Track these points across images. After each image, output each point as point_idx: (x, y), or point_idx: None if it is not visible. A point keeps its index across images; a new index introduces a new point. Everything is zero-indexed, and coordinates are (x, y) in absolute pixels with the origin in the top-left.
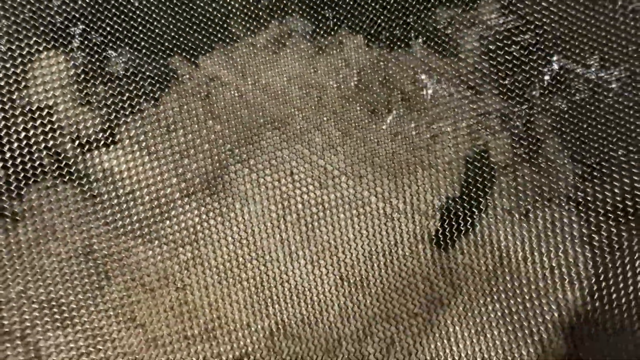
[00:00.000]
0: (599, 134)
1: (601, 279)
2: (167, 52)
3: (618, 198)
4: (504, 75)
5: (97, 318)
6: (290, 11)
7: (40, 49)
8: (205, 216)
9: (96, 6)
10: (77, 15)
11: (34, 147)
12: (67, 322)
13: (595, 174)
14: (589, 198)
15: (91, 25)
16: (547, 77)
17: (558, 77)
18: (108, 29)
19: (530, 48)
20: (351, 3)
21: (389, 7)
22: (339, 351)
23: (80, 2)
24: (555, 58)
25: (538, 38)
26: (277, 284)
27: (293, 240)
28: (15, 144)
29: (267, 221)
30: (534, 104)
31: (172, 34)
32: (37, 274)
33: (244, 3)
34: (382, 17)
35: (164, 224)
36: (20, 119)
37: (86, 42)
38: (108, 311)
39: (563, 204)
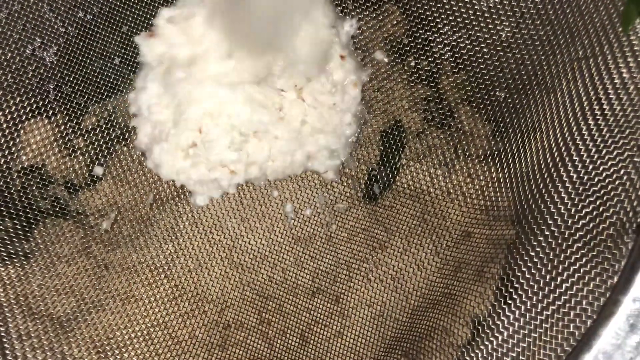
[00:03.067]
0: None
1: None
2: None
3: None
4: (409, 64)
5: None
6: None
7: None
8: (179, 215)
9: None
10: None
11: (38, 197)
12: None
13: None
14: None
15: (64, 88)
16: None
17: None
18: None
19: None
20: None
21: None
22: (302, 294)
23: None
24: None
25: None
26: (244, 254)
27: (251, 216)
28: (23, 197)
29: (227, 207)
30: (439, 84)
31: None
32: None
33: None
34: None
35: (149, 228)
36: (23, 177)
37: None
38: (114, 297)
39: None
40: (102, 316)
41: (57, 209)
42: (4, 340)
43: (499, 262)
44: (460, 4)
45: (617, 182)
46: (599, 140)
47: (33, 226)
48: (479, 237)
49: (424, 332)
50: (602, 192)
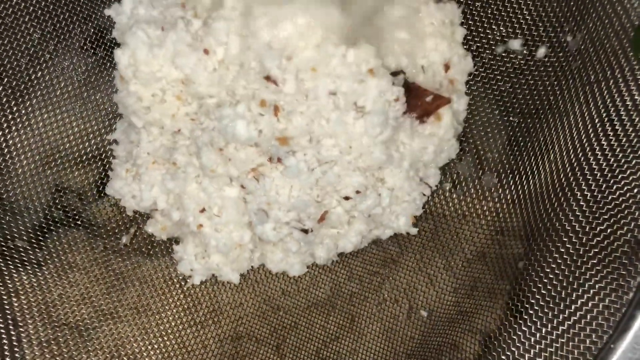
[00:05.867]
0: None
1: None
2: None
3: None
4: None
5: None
6: None
7: None
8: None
9: None
10: None
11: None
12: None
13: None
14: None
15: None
16: None
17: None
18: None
19: None
20: None
21: None
22: (314, 309)
23: None
24: None
25: None
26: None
27: None
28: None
29: None
30: None
31: None
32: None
33: None
34: None
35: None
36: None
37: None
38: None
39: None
40: (119, 325)
41: (71, 220)
42: (24, 344)
43: (511, 279)
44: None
45: (630, 201)
46: (612, 160)
47: (47, 235)
48: (493, 256)
49: (435, 348)
50: (615, 210)
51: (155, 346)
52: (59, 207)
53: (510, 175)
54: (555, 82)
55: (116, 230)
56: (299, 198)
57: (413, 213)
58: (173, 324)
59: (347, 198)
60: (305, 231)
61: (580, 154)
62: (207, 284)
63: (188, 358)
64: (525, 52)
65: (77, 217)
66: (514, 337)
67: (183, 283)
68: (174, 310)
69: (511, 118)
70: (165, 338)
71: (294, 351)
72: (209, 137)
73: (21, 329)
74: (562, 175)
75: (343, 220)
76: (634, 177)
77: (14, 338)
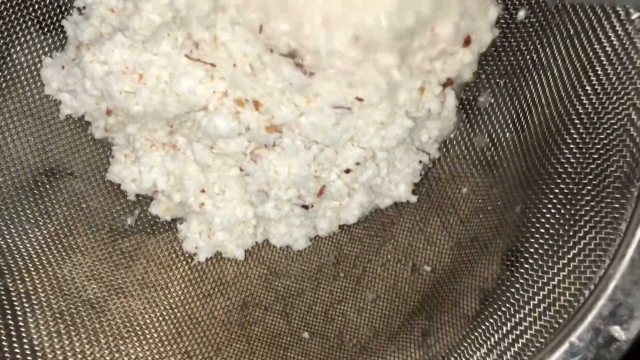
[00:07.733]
0: None
1: None
2: None
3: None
4: None
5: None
6: None
7: None
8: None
9: None
10: None
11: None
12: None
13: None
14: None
15: None
16: None
17: None
18: None
19: None
20: None
21: None
22: (320, 275)
23: None
24: None
25: None
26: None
27: None
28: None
29: None
30: None
31: None
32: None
33: None
34: None
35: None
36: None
37: None
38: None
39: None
40: (130, 300)
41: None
42: (37, 314)
43: (508, 228)
44: None
45: (617, 140)
46: (597, 103)
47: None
48: (489, 210)
49: (436, 305)
50: (605, 149)
51: (166, 317)
52: (62, 191)
53: (501, 133)
54: (537, 41)
55: (120, 213)
56: (298, 174)
57: (412, 180)
58: (180, 293)
59: (347, 171)
60: (306, 207)
61: (567, 102)
62: (212, 260)
63: (197, 328)
64: (506, 15)
65: (82, 201)
66: (519, 274)
67: (189, 260)
68: (181, 283)
69: (497, 80)
70: (175, 309)
71: (301, 315)
72: (196, 137)
73: (34, 301)
74: (551, 125)
75: (343, 192)
76: (619, 117)
77: (27, 309)
